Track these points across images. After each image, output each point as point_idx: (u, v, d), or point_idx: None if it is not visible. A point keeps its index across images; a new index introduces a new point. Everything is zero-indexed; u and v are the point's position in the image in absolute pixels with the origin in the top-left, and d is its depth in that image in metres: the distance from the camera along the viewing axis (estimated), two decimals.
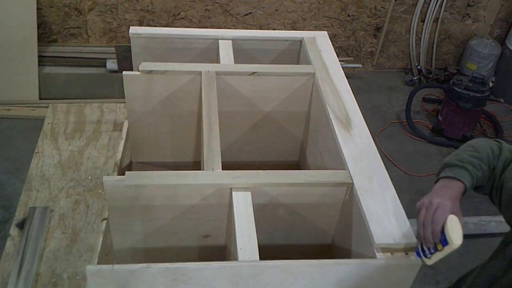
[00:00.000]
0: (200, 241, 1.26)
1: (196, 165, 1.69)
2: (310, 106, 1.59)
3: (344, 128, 1.32)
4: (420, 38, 3.93)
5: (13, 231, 1.51)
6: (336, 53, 1.66)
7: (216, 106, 1.37)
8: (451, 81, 3.35)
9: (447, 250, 0.93)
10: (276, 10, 3.63)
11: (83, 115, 1.96)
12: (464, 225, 0.94)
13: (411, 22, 3.84)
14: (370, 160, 1.23)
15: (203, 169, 1.18)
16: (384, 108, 3.73)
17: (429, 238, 0.94)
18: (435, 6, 3.74)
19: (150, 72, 1.47)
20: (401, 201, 1.13)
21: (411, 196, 3.00)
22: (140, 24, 3.55)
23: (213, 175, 1.15)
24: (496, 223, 2.65)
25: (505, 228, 1.02)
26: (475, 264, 1.16)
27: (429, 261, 0.96)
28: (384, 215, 1.08)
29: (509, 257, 1.01)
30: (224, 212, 1.19)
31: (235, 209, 1.09)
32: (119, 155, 1.58)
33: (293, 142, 1.71)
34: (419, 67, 3.97)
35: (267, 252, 1.04)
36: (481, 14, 3.90)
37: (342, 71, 1.56)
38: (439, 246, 0.93)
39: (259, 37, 1.72)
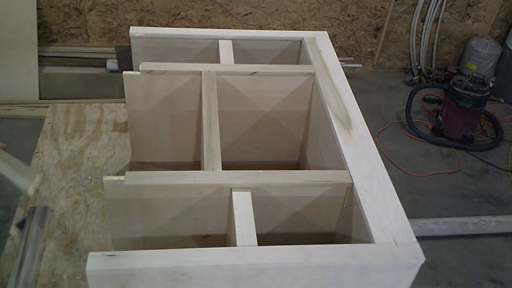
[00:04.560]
0: (200, 241, 1.26)
1: (196, 165, 1.69)
2: (310, 106, 1.59)
3: (344, 128, 1.32)
4: (420, 38, 3.93)
5: (13, 231, 1.51)
6: (336, 53, 1.66)
7: (216, 106, 1.37)
8: (451, 81, 3.35)
9: None
10: (276, 10, 3.63)
11: (83, 115, 1.96)
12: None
13: (411, 22, 3.84)
14: (370, 160, 1.23)
15: (203, 169, 1.18)
16: (384, 108, 3.73)
17: None
18: (435, 6, 3.74)
19: (150, 72, 1.47)
20: (401, 201, 1.13)
21: (411, 196, 3.01)
22: (140, 24, 3.55)
23: (213, 175, 1.15)
24: (496, 223, 2.65)
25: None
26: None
27: None
28: (384, 215, 1.08)
29: None
30: (224, 212, 1.19)
31: (235, 209, 1.09)
32: None
33: (293, 142, 1.71)
34: (419, 67, 3.97)
35: None
36: (481, 14, 3.90)
37: (342, 71, 1.56)
38: None
39: (259, 37, 1.72)
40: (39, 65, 3.30)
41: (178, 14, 3.55)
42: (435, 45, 3.98)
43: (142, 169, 1.68)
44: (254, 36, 1.72)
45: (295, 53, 1.76)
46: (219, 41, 1.67)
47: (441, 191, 2.99)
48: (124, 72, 1.48)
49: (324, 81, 1.50)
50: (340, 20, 3.76)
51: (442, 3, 3.75)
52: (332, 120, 1.35)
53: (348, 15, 3.74)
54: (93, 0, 3.42)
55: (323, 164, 1.44)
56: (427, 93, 3.85)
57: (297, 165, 1.76)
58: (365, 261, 0.98)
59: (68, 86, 3.35)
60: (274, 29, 3.67)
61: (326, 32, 1.76)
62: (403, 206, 1.12)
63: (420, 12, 3.77)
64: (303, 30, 3.56)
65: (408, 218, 1.09)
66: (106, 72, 3.48)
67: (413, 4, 3.76)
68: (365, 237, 1.07)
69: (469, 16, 3.90)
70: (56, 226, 1.52)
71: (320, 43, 1.69)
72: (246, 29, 3.63)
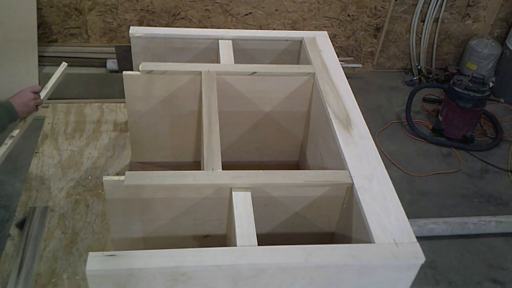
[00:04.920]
0: (200, 241, 1.26)
1: (196, 165, 1.69)
2: (310, 106, 1.59)
3: (344, 128, 1.32)
4: (420, 38, 3.93)
5: (13, 231, 1.51)
6: (336, 53, 1.66)
7: (216, 106, 1.37)
8: (451, 81, 3.35)
9: None
10: (276, 10, 3.63)
11: (83, 115, 1.96)
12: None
13: (411, 22, 3.84)
14: (370, 160, 1.23)
15: (203, 169, 1.18)
16: (384, 108, 3.73)
17: None
18: (435, 6, 3.74)
19: (150, 72, 1.47)
20: (401, 201, 1.13)
21: (411, 196, 3.01)
22: (140, 24, 3.55)
23: (213, 175, 1.15)
24: (496, 223, 2.65)
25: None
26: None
27: None
28: (384, 215, 1.08)
29: None
30: (224, 212, 1.19)
31: (235, 209, 1.09)
32: None
33: (293, 142, 1.71)
34: (419, 67, 3.97)
35: None
36: (481, 14, 3.90)
37: (342, 71, 1.56)
38: None
39: (259, 37, 1.72)
40: (39, 65, 3.30)
41: (178, 14, 3.55)
42: (435, 45, 3.98)
43: (142, 169, 1.68)
44: (254, 36, 1.72)
45: (295, 53, 1.76)
46: (219, 41, 1.67)
47: (441, 191, 2.99)
48: (124, 72, 1.48)
49: (324, 81, 1.50)
50: (340, 20, 3.76)
51: (442, 3, 3.74)
52: (332, 120, 1.35)
53: (348, 15, 3.74)
54: (93, 0, 3.42)
55: (323, 164, 1.44)
56: (427, 93, 3.85)
57: (297, 165, 1.76)
58: (365, 261, 0.98)
59: (68, 86, 3.35)
60: (274, 29, 3.67)
61: (326, 32, 1.76)
62: (403, 206, 1.12)
63: (420, 12, 3.77)
64: (303, 30, 3.56)
65: (408, 218, 1.09)
66: (106, 72, 3.48)
67: (413, 4, 3.75)
68: (365, 237, 1.07)
69: (469, 16, 3.90)
70: (56, 226, 1.52)
71: (320, 43, 1.69)
72: (246, 29, 3.63)
